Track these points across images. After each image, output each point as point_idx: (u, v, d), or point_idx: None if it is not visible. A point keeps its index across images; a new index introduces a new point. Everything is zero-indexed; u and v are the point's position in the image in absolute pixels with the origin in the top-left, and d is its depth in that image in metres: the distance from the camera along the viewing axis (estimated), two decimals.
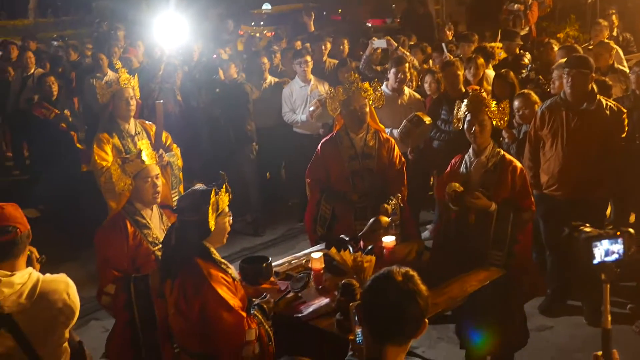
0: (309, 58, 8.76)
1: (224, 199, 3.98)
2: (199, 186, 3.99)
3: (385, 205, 5.54)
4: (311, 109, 8.35)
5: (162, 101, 6.64)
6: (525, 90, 6.98)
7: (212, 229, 3.89)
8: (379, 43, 9.59)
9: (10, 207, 3.47)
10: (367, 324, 2.69)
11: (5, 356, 3.34)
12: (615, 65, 8.36)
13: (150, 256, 4.67)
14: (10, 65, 11.46)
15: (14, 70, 11.25)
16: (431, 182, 8.58)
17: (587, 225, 2.30)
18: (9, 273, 3.36)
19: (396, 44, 9.41)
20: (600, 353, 2.16)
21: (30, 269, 3.49)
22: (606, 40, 9.05)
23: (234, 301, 3.84)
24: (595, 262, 2.23)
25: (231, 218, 4.08)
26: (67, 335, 3.62)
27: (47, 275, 3.53)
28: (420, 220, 8.10)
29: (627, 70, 7.67)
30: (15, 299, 3.34)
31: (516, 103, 6.74)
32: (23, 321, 3.35)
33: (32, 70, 10.78)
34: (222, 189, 3.95)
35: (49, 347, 3.48)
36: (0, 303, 3.31)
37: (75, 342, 3.78)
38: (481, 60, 8.14)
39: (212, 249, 3.97)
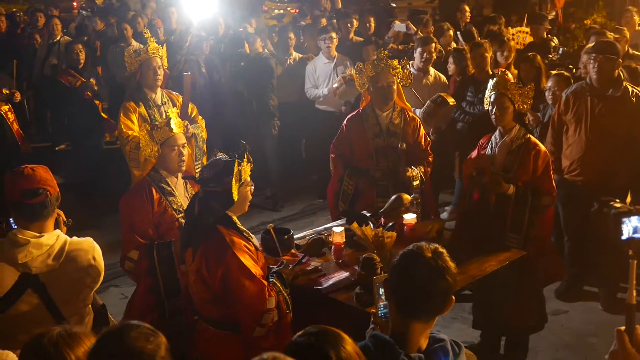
0: (334, 34, 8.74)
1: (246, 169, 4.00)
2: (220, 156, 4.00)
3: (404, 169, 5.57)
4: (335, 85, 8.35)
5: (189, 73, 6.66)
6: (562, 71, 6.95)
7: (236, 199, 3.92)
8: (399, 27, 9.58)
9: (41, 169, 3.53)
10: (394, 299, 2.70)
11: (30, 315, 3.42)
12: (631, 51, 8.27)
13: (174, 223, 4.72)
14: (37, 33, 11.50)
15: (41, 37, 11.29)
16: (454, 164, 8.57)
17: (617, 200, 2.32)
18: (38, 234, 3.43)
19: (415, 29, 9.38)
20: (623, 328, 2.17)
21: (58, 231, 3.56)
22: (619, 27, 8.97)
23: (256, 269, 3.87)
24: (623, 237, 2.24)
25: (252, 187, 4.10)
26: (91, 297, 3.70)
27: (74, 238, 3.60)
28: (438, 202, 8.11)
29: None
30: (43, 260, 3.41)
31: (549, 83, 6.73)
32: (49, 282, 3.43)
33: (58, 37, 10.80)
34: (244, 159, 3.97)
35: (73, 308, 3.56)
36: (28, 263, 3.38)
37: (98, 305, 3.86)
38: (513, 43, 8.09)
39: (235, 218, 4.00)
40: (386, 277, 2.81)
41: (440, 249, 2.70)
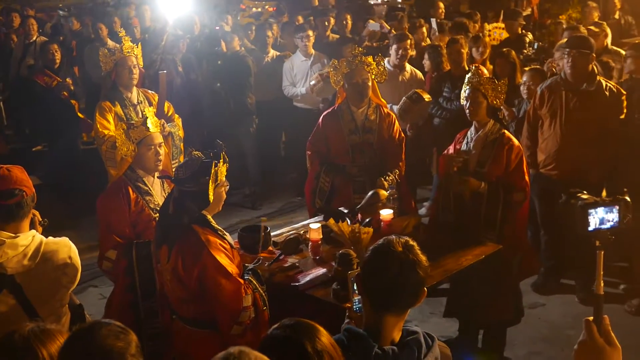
0: (310, 32, 8.75)
1: (222, 170, 3.99)
2: (196, 155, 3.99)
3: (382, 180, 5.60)
4: (312, 82, 8.37)
5: (165, 72, 6.65)
6: (537, 66, 7.01)
7: (211, 200, 3.92)
8: (373, 26, 9.64)
9: (16, 169, 3.52)
10: (367, 294, 2.73)
11: (6, 315, 3.40)
12: (609, 46, 8.37)
13: (152, 222, 4.71)
14: (13, 33, 11.42)
15: (17, 37, 11.22)
16: (431, 159, 8.61)
17: (585, 192, 2.35)
18: (13, 235, 3.42)
19: (389, 27, 9.43)
20: (591, 318, 2.21)
21: (33, 231, 3.54)
22: (598, 21, 9.09)
23: (232, 268, 3.87)
24: (590, 229, 2.28)
25: (227, 187, 4.10)
26: (68, 297, 3.68)
27: (50, 238, 3.59)
28: (416, 197, 8.15)
29: (623, 52, 7.68)
30: (19, 260, 3.39)
31: (524, 77, 6.79)
32: (25, 282, 3.42)
33: (34, 38, 10.73)
34: (220, 160, 3.97)
35: (49, 308, 3.54)
36: (3, 264, 3.36)
37: (75, 305, 3.84)
38: (487, 39, 8.16)
39: (209, 217, 4.00)
40: (358, 272, 2.84)
41: (411, 242, 2.72)
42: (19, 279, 3.39)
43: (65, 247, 3.56)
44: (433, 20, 9.76)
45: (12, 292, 3.39)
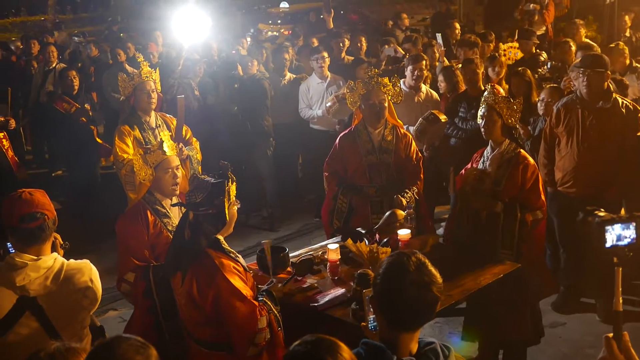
0: (325, 54, 8.81)
1: (233, 188, 4.02)
2: (204, 178, 4.01)
3: (400, 197, 5.61)
4: (328, 104, 8.41)
5: (183, 96, 6.71)
6: (555, 84, 7.02)
7: (228, 219, 3.94)
8: (388, 51, 9.71)
9: (38, 193, 3.57)
10: (382, 315, 2.74)
11: (28, 337, 3.44)
12: (634, 64, 8.36)
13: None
14: (34, 60, 11.59)
15: (37, 64, 11.38)
16: (449, 180, 8.61)
17: (602, 210, 2.36)
18: (36, 257, 3.47)
19: (403, 52, 9.48)
20: (611, 335, 2.21)
21: (55, 254, 3.59)
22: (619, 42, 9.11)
23: (246, 290, 3.89)
24: (607, 245, 2.29)
25: (239, 205, 4.12)
26: (89, 319, 3.72)
27: (72, 260, 3.64)
28: (434, 217, 8.14)
29: None
30: (41, 283, 3.44)
31: (542, 94, 6.80)
32: (47, 304, 3.46)
33: (53, 65, 10.88)
34: (229, 179, 3.99)
35: (71, 330, 3.57)
36: (26, 286, 3.41)
37: (96, 327, 3.89)
38: (503, 58, 8.18)
39: (222, 239, 4.02)
40: (371, 295, 2.83)
41: (423, 259, 2.71)
42: (41, 301, 3.44)
43: (87, 270, 3.61)
44: (438, 36, 9.79)
45: (34, 314, 3.44)
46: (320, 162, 6.32)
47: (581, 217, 2.38)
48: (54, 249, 3.67)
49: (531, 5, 13.54)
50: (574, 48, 8.77)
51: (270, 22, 22.16)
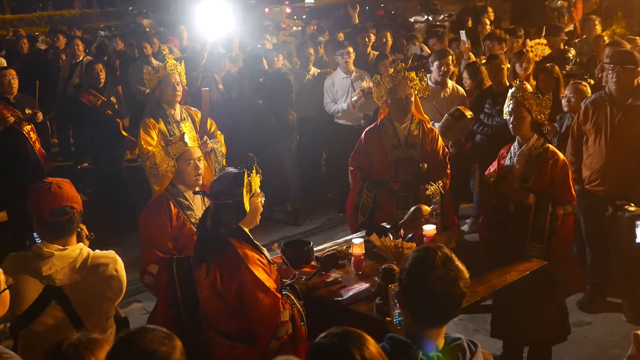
0: (351, 49, 8.78)
1: (256, 180, 4.04)
2: (230, 169, 4.04)
3: (424, 188, 5.58)
4: (354, 98, 8.39)
5: (207, 88, 6.72)
6: (580, 81, 6.95)
7: (247, 210, 3.94)
8: (414, 49, 9.67)
9: (66, 185, 3.60)
10: (408, 310, 2.72)
11: (53, 327, 3.47)
12: None
13: (193, 237, 4.71)
14: (62, 53, 11.67)
15: (66, 56, 11.46)
16: (474, 176, 8.56)
17: (632, 204, 2.32)
18: (62, 247, 3.49)
19: (429, 51, 9.43)
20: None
21: (81, 244, 3.62)
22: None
23: (270, 282, 3.89)
24: (637, 240, 2.25)
25: (264, 199, 4.13)
26: (113, 310, 3.74)
27: (97, 251, 3.65)
28: (459, 214, 8.09)
29: None
30: (67, 272, 3.46)
31: (566, 91, 6.73)
32: (73, 294, 3.48)
33: (80, 58, 10.95)
34: (253, 170, 4.01)
35: (96, 320, 3.60)
36: (52, 276, 3.44)
37: (121, 318, 3.90)
38: (531, 54, 8.11)
39: (247, 231, 4.02)
40: (397, 291, 2.80)
41: (449, 254, 2.68)
42: (66, 290, 3.46)
43: (112, 260, 3.62)
44: (462, 33, 9.72)
45: (60, 303, 3.47)
46: (345, 157, 6.30)
47: (610, 211, 2.35)
48: (79, 239, 3.69)
49: (558, 2, 13.42)
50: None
51: (295, 17, 22.17)
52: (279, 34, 14.06)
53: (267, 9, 20.50)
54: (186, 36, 11.88)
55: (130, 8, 16.58)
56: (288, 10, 23.16)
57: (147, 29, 14.00)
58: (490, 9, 12.01)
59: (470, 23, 12.02)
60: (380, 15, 21.89)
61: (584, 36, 9.59)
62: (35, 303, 3.43)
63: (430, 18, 21.88)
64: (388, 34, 10.32)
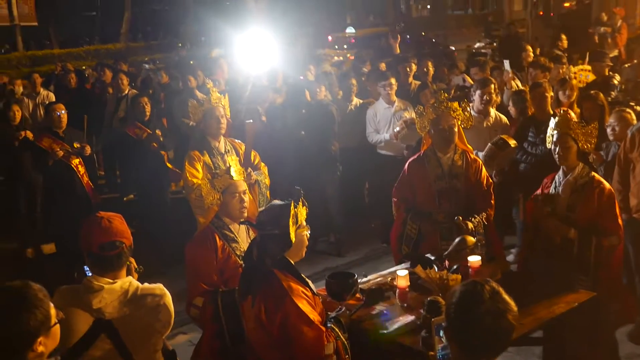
0: (393, 80, 8.81)
1: (302, 212, 4.06)
2: (277, 201, 4.08)
3: (467, 222, 5.54)
4: (396, 129, 8.39)
5: (252, 121, 6.80)
6: (624, 108, 6.88)
7: (293, 240, 3.96)
8: (457, 79, 9.66)
9: (117, 220, 3.66)
10: (457, 344, 2.71)
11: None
12: None
13: (238, 269, 4.77)
14: (110, 86, 11.91)
15: (111, 90, 11.69)
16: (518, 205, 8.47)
17: None
18: (111, 281, 3.54)
19: (472, 82, 9.42)
20: None
21: (130, 277, 3.66)
22: None
23: (314, 315, 3.89)
24: None
25: (309, 232, 4.15)
26: (161, 343, 3.77)
27: (146, 284, 3.70)
28: (504, 244, 7.99)
29: None
30: (117, 306, 3.51)
31: (611, 119, 6.66)
32: (122, 327, 3.52)
33: (126, 91, 11.15)
34: (299, 203, 4.04)
35: (144, 353, 3.63)
36: (102, 309, 3.48)
37: (168, 351, 3.93)
38: (575, 82, 8.05)
39: (292, 263, 4.04)
40: (445, 325, 2.79)
41: (496, 287, 2.68)
42: (116, 323, 3.50)
43: (160, 293, 3.66)
44: (506, 62, 9.68)
45: (109, 336, 3.51)
46: (388, 187, 6.30)
47: None
48: (128, 272, 3.74)
49: (602, 28, 13.32)
50: None
51: (336, 47, 22.33)
52: (321, 64, 14.15)
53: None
54: (226, 69, 12.05)
55: (180, 45, 16.89)
56: (329, 38, 23.37)
57: (191, 62, 14.22)
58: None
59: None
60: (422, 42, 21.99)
61: (635, 61, 9.51)
62: (85, 336, 3.48)
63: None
64: (429, 63, 10.34)
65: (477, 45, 18.91)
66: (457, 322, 2.68)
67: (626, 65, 10.73)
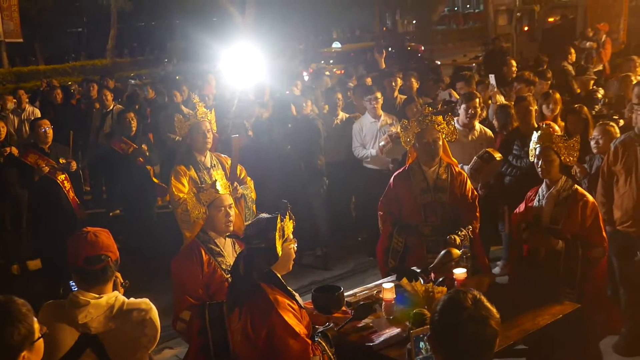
0: (379, 95, 8.85)
1: (289, 225, 4.07)
2: (264, 215, 4.09)
3: (454, 236, 5.57)
4: (381, 144, 8.43)
5: (238, 135, 6.81)
6: (607, 122, 6.94)
7: (280, 254, 3.97)
8: (443, 94, 9.73)
9: (103, 235, 3.67)
10: (440, 353, 2.72)
11: None
12: None
13: (224, 283, 4.79)
14: (96, 102, 11.91)
15: (97, 106, 11.68)
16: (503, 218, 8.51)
17: None
18: (97, 296, 3.54)
19: (457, 97, 9.49)
20: None
21: (116, 292, 3.66)
22: None
23: (300, 328, 3.90)
24: None
25: (296, 245, 4.16)
26: (147, 357, 3.76)
27: (132, 299, 3.70)
28: (490, 257, 8.03)
29: None
30: (102, 320, 3.50)
31: (595, 133, 6.71)
32: (108, 342, 3.52)
33: (110, 107, 11.15)
34: (286, 216, 4.05)
35: None
36: (88, 324, 3.48)
37: None
38: (558, 96, 8.12)
39: (279, 276, 4.05)
40: (429, 335, 2.81)
41: (478, 295, 2.70)
42: (102, 338, 3.50)
43: (146, 308, 3.66)
44: (492, 77, 9.76)
45: (95, 351, 3.50)
46: (374, 201, 6.32)
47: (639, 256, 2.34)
48: (115, 287, 3.74)
49: (587, 43, 13.44)
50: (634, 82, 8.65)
51: (322, 62, 22.41)
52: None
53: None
54: (214, 84, 12.09)
55: (166, 60, 16.98)
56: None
57: (177, 77, 14.25)
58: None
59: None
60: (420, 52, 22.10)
61: (620, 75, 9.60)
62: (71, 351, 3.46)
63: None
64: (413, 78, 10.41)
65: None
66: (440, 330, 2.70)
67: (611, 80, 10.82)
